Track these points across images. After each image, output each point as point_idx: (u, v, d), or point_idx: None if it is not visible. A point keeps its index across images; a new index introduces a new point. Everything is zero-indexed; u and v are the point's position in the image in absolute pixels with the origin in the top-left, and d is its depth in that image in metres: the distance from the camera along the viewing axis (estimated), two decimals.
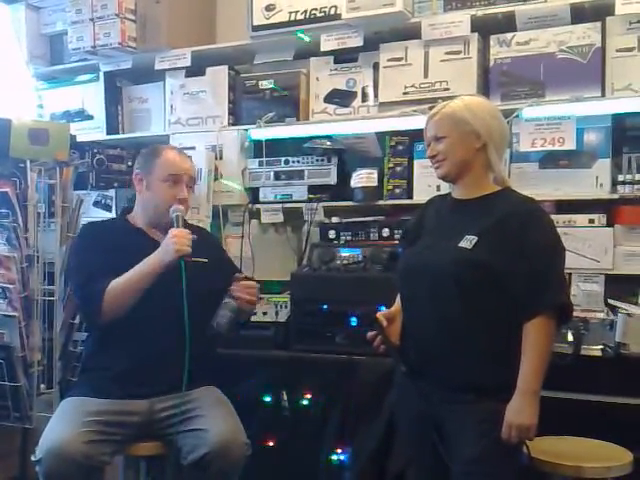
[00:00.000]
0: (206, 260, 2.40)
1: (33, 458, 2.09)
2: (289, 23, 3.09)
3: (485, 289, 1.85)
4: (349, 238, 2.97)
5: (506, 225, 1.87)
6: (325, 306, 2.65)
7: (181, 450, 2.20)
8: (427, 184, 2.86)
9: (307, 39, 3.07)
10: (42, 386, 2.72)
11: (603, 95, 2.64)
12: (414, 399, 1.96)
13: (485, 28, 2.81)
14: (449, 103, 2.01)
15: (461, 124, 1.95)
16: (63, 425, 2.12)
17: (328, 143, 3.05)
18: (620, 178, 2.60)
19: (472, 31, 2.79)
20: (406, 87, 2.93)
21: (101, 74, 3.52)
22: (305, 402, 2.59)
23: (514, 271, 1.82)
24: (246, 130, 3.20)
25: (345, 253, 2.83)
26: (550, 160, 2.71)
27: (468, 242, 1.88)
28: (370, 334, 2.02)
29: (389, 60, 2.97)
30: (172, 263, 2.20)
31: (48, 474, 2.05)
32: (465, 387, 1.84)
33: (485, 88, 2.83)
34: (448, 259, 1.89)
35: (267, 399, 2.63)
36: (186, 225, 2.48)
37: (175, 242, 2.20)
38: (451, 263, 1.88)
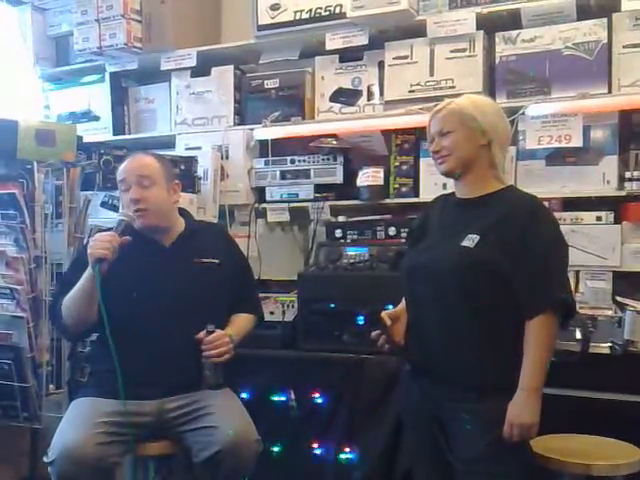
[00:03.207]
0: (217, 261, 2.40)
1: (45, 460, 2.09)
2: (294, 22, 3.10)
3: (488, 288, 1.84)
4: (356, 237, 2.97)
5: (508, 223, 1.86)
6: (332, 305, 2.65)
7: (192, 448, 2.20)
8: (433, 182, 2.86)
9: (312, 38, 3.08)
10: (51, 386, 2.73)
11: (609, 92, 2.63)
12: (418, 397, 1.96)
13: (490, 25, 2.81)
14: (455, 100, 2.00)
15: (468, 120, 1.94)
16: (75, 427, 2.12)
17: (334, 142, 3.05)
18: (627, 175, 2.59)
19: (477, 29, 2.79)
20: (412, 85, 2.93)
21: (107, 75, 3.54)
22: (313, 401, 2.60)
23: (516, 269, 1.82)
24: (252, 130, 3.21)
25: (352, 252, 2.82)
26: (557, 157, 2.71)
27: (470, 241, 1.87)
28: (374, 333, 2.02)
29: (394, 58, 2.97)
30: (93, 267, 2.14)
31: (61, 476, 2.05)
32: (468, 386, 1.84)
33: (491, 86, 2.83)
34: (450, 258, 1.88)
35: (275, 398, 2.64)
36: (190, 224, 2.48)
37: (90, 246, 2.16)
38: (453, 262, 1.87)
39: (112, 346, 2.09)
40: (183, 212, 2.51)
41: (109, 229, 2.29)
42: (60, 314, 2.27)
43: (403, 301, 2.07)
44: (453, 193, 2.07)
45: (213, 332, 2.27)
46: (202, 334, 2.26)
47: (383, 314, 2.02)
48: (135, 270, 2.24)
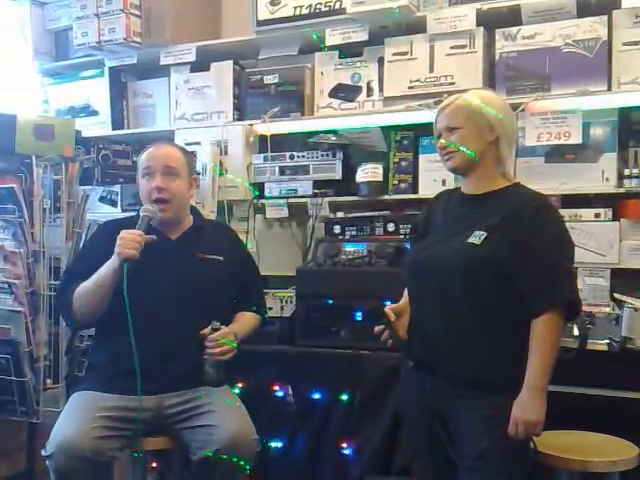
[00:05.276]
0: (221, 258, 2.40)
1: (44, 453, 2.09)
2: (294, 18, 3.09)
3: (493, 285, 1.84)
4: (354, 233, 2.97)
5: (515, 221, 1.85)
6: (330, 301, 2.66)
7: (190, 446, 2.20)
8: (432, 179, 2.88)
9: (312, 34, 3.07)
10: (48, 381, 2.72)
11: (609, 89, 2.63)
12: (420, 394, 1.95)
13: (490, 22, 2.81)
14: (462, 95, 1.99)
15: (476, 116, 1.94)
16: (73, 420, 2.12)
17: (333, 138, 3.05)
18: (626, 172, 2.59)
19: (477, 25, 2.78)
20: (411, 81, 2.93)
21: (106, 69, 3.53)
22: (311, 397, 2.60)
23: (522, 267, 1.81)
24: (251, 125, 3.20)
25: (350, 248, 2.83)
26: (556, 154, 2.71)
27: (477, 238, 1.86)
28: (377, 328, 2.00)
29: (394, 54, 2.97)
30: (120, 266, 2.15)
31: (59, 469, 2.06)
32: (472, 382, 1.84)
33: (491, 82, 2.83)
34: (456, 254, 1.88)
35: (273, 394, 2.63)
36: (198, 221, 2.48)
37: (119, 244, 2.16)
38: (459, 258, 1.86)
39: (133, 340, 2.11)
40: (193, 209, 2.52)
41: (124, 220, 2.34)
42: (70, 303, 2.27)
43: (405, 295, 2.06)
44: (457, 189, 2.07)
45: (218, 329, 2.26)
46: (207, 330, 2.26)
47: (387, 309, 2.00)
48: (140, 261, 2.23)
